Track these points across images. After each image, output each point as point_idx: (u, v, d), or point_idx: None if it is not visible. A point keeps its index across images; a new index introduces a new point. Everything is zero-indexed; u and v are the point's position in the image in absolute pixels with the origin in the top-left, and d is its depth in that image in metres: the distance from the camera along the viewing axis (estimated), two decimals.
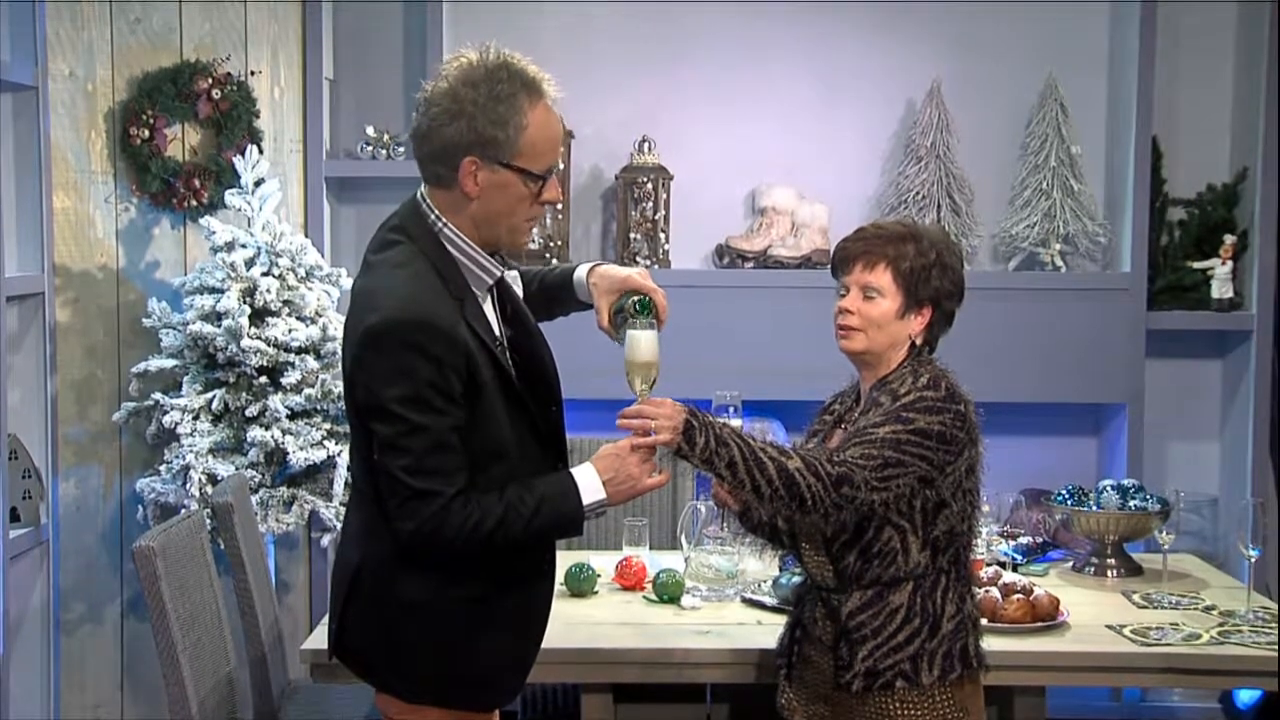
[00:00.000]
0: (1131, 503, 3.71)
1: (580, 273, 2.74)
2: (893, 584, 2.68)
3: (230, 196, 4.25)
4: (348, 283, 4.33)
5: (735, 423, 2.92)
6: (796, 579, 3.23)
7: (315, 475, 4.22)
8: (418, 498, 2.34)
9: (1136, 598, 3.50)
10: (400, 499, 2.36)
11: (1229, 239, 4.64)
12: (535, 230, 4.34)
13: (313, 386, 4.15)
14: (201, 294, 4.18)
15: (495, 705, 2.58)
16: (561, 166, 2.51)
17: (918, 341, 2.76)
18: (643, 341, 2.65)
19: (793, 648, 2.85)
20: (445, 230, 2.44)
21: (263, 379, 4.15)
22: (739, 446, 2.54)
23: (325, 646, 3.05)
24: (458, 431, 2.37)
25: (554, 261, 4.45)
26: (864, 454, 2.58)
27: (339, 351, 4.21)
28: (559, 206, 4.48)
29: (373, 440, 2.38)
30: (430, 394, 2.33)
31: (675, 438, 2.51)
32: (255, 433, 4.07)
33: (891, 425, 2.62)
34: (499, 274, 2.50)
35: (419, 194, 2.48)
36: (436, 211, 2.44)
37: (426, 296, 2.38)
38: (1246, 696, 4.36)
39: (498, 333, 2.51)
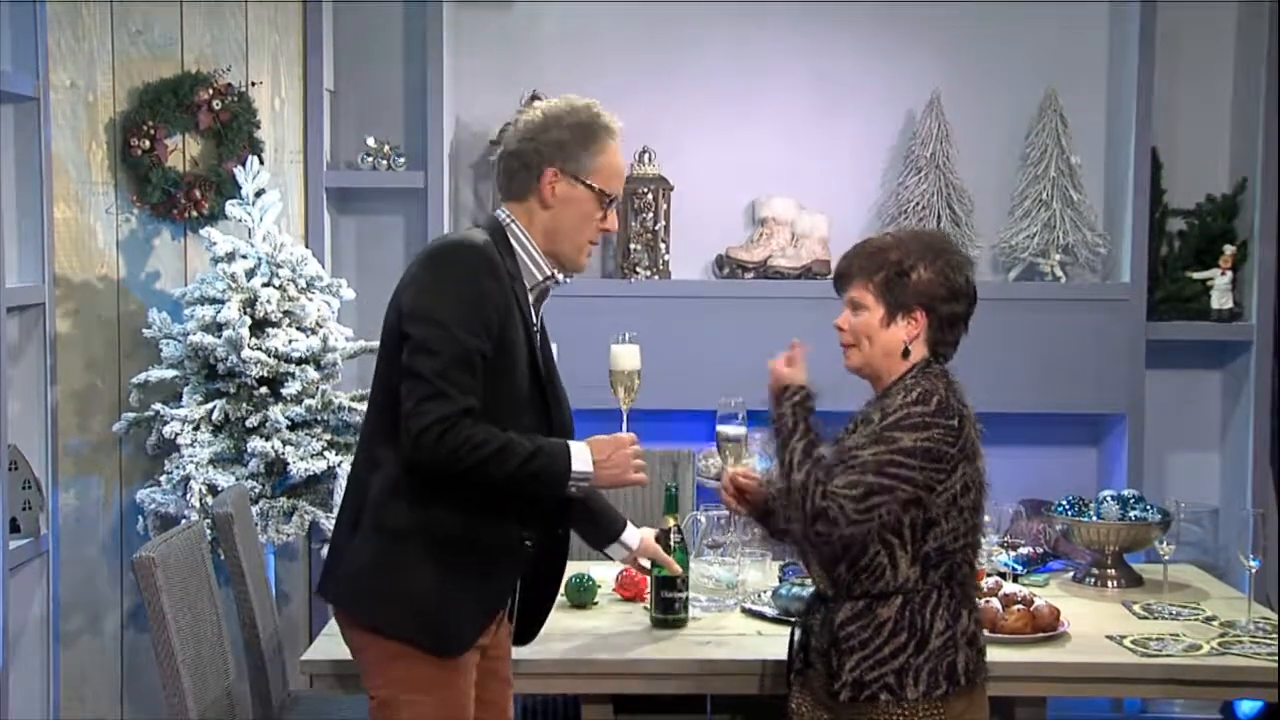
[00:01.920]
0: (1132, 513, 3.71)
1: (628, 536, 3.09)
2: (881, 597, 2.68)
3: (231, 207, 4.25)
4: (348, 293, 4.33)
5: (740, 430, 3.01)
6: (797, 589, 3.24)
7: (315, 486, 4.22)
8: (435, 397, 2.55)
9: (1137, 608, 3.50)
10: (418, 398, 2.56)
11: (1228, 249, 4.65)
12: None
13: (313, 397, 4.15)
14: (202, 305, 4.19)
15: (456, 647, 2.69)
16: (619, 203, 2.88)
17: (912, 349, 2.75)
18: (624, 353, 2.98)
19: (801, 653, 2.86)
20: (513, 226, 2.76)
21: (263, 390, 4.15)
22: (801, 435, 2.70)
23: (324, 657, 3.08)
24: (485, 361, 2.60)
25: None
26: (848, 482, 2.61)
27: (339, 362, 4.24)
28: None
29: (406, 346, 2.59)
30: (470, 314, 2.59)
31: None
32: (255, 443, 4.07)
33: (874, 447, 2.64)
34: (549, 274, 2.77)
35: (500, 207, 2.80)
36: (508, 211, 2.77)
37: (493, 247, 2.69)
38: (1248, 707, 4.35)
39: (535, 323, 2.76)
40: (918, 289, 2.74)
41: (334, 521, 2.94)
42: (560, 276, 2.81)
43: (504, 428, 2.61)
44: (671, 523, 3.28)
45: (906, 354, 2.76)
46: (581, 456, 2.68)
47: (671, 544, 3.26)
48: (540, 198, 2.74)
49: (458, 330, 2.57)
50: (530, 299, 2.76)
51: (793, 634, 2.90)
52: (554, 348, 2.91)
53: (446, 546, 2.67)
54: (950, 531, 2.68)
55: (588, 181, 2.75)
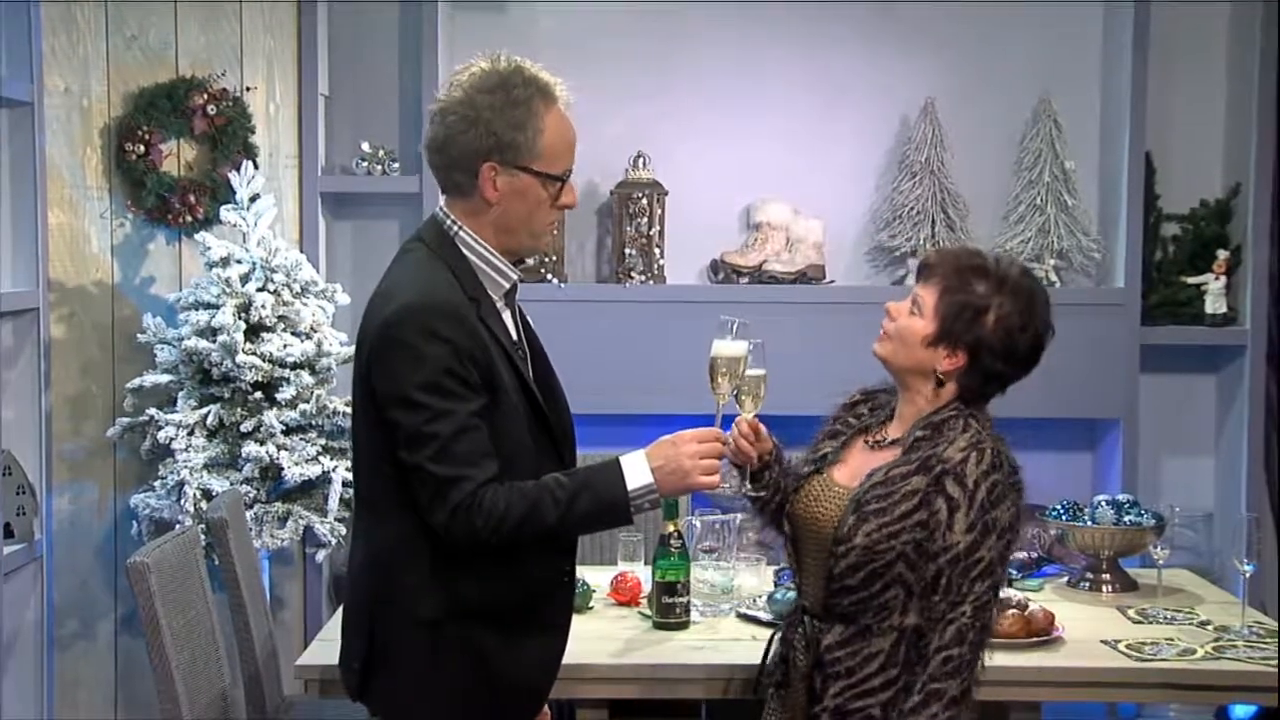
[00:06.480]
0: (1126, 518, 3.71)
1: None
2: (878, 631, 2.56)
3: (225, 212, 4.25)
4: (343, 298, 4.33)
5: (760, 371, 2.72)
6: (791, 594, 3.22)
7: (310, 491, 4.22)
8: (447, 485, 2.32)
9: (1132, 613, 3.50)
10: (430, 490, 2.34)
11: (1222, 254, 4.65)
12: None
13: (308, 402, 4.15)
14: (196, 309, 4.18)
15: (532, 709, 2.55)
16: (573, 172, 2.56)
17: (945, 381, 2.62)
18: (724, 345, 2.61)
19: (781, 666, 2.74)
20: (461, 234, 2.47)
21: (258, 394, 4.14)
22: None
23: (319, 663, 3.06)
24: (482, 419, 2.36)
25: (551, 278, 4.46)
26: (982, 590, 2.47)
27: (334, 367, 4.23)
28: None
29: (397, 437, 2.35)
30: (448, 380, 2.33)
31: None
32: (250, 448, 4.07)
33: (988, 540, 2.49)
34: (515, 278, 2.52)
35: (438, 206, 2.53)
36: (453, 218, 2.48)
37: (440, 288, 2.40)
38: (1242, 712, 4.35)
39: (515, 338, 2.52)
40: (978, 334, 2.59)
41: (343, 604, 2.66)
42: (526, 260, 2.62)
43: (515, 471, 2.38)
44: (672, 528, 3.27)
45: (940, 384, 2.63)
46: (636, 469, 2.40)
47: (672, 549, 3.26)
48: (483, 196, 2.43)
49: (443, 403, 2.32)
50: (500, 306, 2.50)
51: (769, 647, 2.80)
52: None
53: (497, 618, 2.45)
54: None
55: (532, 168, 2.43)
